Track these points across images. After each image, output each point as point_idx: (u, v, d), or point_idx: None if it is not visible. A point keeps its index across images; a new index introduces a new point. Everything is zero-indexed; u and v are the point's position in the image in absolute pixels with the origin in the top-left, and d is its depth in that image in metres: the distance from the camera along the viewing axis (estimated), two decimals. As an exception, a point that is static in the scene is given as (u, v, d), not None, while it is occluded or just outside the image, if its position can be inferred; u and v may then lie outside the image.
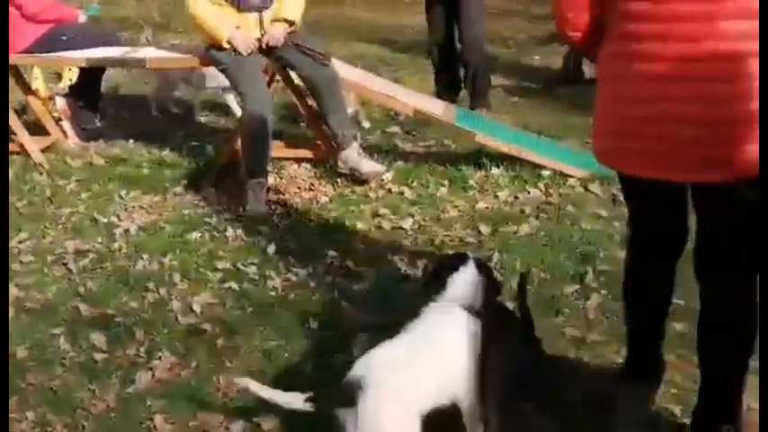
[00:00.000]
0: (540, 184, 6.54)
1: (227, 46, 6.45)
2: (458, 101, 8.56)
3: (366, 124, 8.09)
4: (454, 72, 8.80)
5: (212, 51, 6.59)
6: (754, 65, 2.94)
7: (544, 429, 3.74)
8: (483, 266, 3.82)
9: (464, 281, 3.68)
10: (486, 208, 6.25)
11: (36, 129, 7.78)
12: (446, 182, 6.66)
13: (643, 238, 3.66)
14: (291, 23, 6.61)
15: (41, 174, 7.20)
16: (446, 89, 8.72)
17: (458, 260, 3.80)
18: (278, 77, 7.10)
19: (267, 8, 6.63)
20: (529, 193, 6.45)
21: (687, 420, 3.68)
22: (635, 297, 3.78)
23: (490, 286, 3.78)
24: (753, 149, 2.97)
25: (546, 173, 6.64)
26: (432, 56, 8.90)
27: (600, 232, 5.66)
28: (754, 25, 2.92)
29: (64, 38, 7.55)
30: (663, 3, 3.07)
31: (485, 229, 5.85)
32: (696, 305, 3.51)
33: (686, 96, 3.05)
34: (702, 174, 3.12)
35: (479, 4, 8.43)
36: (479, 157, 6.95)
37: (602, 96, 3.39)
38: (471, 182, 6.65)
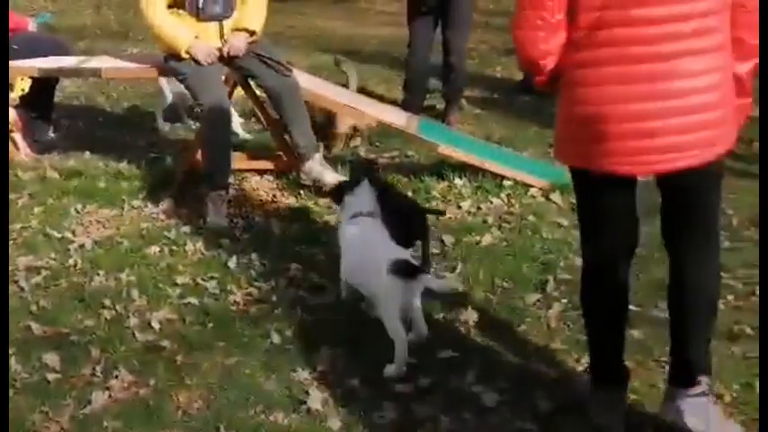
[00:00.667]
0: (503, 195, 6.55)
1: (186, 56, 6.33)
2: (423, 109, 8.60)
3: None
4: (425, 81, 8.86)
5: (171, 62, 6.46)
6: (700, 62, 3.28)
7: None
8: (376, 180, 5.15)
9: (361, 196, 4.95)
10: (449, 218, 6.21)
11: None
12: (409, 192, 6.58)
13: (605, 241, 3.68)
14: (253, 33, 6.52)
15: (-10, 188, 6.98)
16: (414, 98, 8.71)
17: (353, 182, 5.11)
18: (238, 87, 6.99)
19: (228, 17, 6.51)
20: (491, 203, 6.46)
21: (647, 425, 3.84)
22: (597, 302, 3.80)
23: (385, 195, 5.11)
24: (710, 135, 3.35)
25: (508, 183, 6.65)
26: (409, 64, 8.83)
27: (560, 241, 5.72)
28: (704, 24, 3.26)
29: (15, 47, 7.33)
30: (634, 8, 3.25)
31: (448, 239, 5.83)
32: (651, 312, 4.12)
33: (653, 94, 3.30)
34: (679, 161, 3.37)
35: (468, 12, 8.57)
36: (442, 167, 6.94)
37: (576, 101, 3.45)
38: (434, 192, 6.64)
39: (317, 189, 6.65)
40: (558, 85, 3.53)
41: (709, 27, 3.26)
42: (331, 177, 6.55)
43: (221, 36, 6.48)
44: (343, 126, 7.50)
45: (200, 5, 6.37)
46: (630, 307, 3.89)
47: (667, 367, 3.95)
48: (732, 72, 3.37)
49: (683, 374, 3.75)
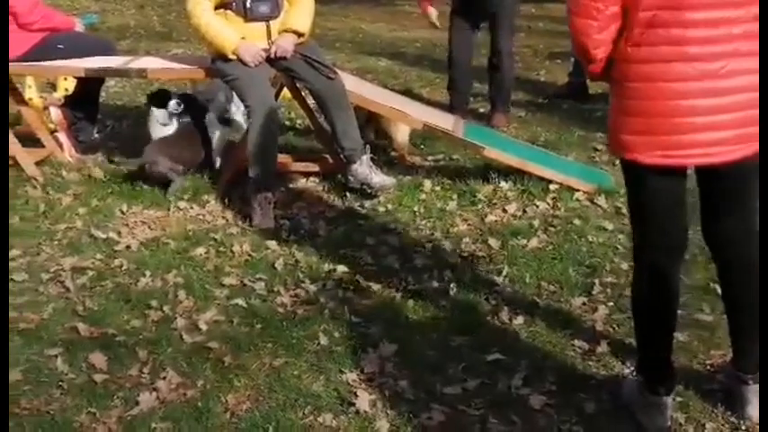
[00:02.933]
0: (548, 198, 6.52)
1: (233, 57, 6.33)
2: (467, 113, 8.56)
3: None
4: (469, 79, 8.87)
5: (218, 62, 6.46)
6: (746, 63, 3.43)
7: None
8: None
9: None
10: (495, 222, 6.21)
11: (29, 141, 7.52)
12: (455, 196, 6.60)
13: (657, 236, 3.73)
14: (301, 35, 6.51)
15: (35, 188, 6.94)
16: (459, 100, 8.73)
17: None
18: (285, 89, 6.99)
19: (275, 18, 6.49)
20: (537, 206, 6.42)
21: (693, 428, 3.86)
22: (649, 301, 3.82)
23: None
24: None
25: (553, 187, 6.62)
26: (451, 62, 8.84)
27: (605, 245, 5.70)
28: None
29: (60, 47, 7.32)
30: (689, 10, 3.36)
31: (494, 242, 5.81)
32: (695, 314, 4.21)
33: (704, 91, 3.42)
34: (724, 155, 3.49)
35: (513, 12, 8.72)
36: (488, 171, 6.91)
37: (629, 95, 3.54)
38: (480, 196, 6.60)
39: (363, 192, 6.64)
40: (610, 77, 3.63)
41: (756, 31, 3.39)
42: (379, 179, 6.55)
43: (268, 37, 6.47)
44: (401, 134, 7.44)
45: (248, 6, 6.36)
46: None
47: (711, 370, 4.04)
48: None
49: (747, 363, 3.85)
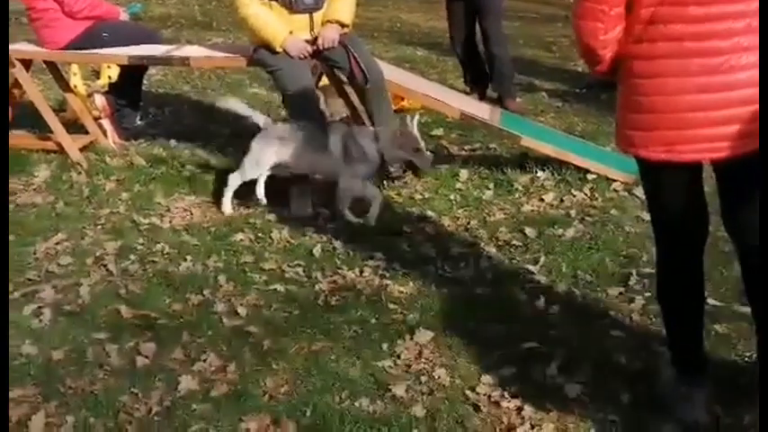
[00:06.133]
0: (585, 188, 6.55)
1: (280, 50, 6.37)
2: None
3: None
4: (480, 65, 9.12)
5: (261, 52, 6.50)
6: (749, 57, 3.38)
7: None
8: None
9: None
10: (532, 211, 6.24)
11: (74, 127, 7.68)
12: (492, 185, 6.64)
13: (673, 231, 3.75)
14: (345, 26, 6.54)
15: (80, 173, 7.05)
16: (475, 82, 9.07)
17: None
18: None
19: (319, 9, 6.52)
20: (574, 196, 6.46)
21: (730, 419, 3.82)
22: (673, 292, 3.83)
23: None
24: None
25: (591, 176, 6.65)
26: (457, 52, 9.17)
27: (642, 235, 5.65)
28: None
29: (105, 35, 7.38)
30: (693, 5, 3.35)
31: (530, 231, 5.84)
32: (734, 306, 4.15)
33: (707, 86, 3.40)
34: (729, 150, 3.45)
35: (497, 3, 8.89)
36: (525, 160, 6.94)
37: (634, 91, 3.54)
38: (517, 185, 6.64)
39: (400, 179, 6.70)
40: (617, 76, 3.63)
41: (757, 26, 3.35)
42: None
43: (311, 28, 6.50)
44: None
45: (293, -3, 6.40)
46: (714, 302, 3.93)
47: (750, 361, 4.02)
48: None
49: None
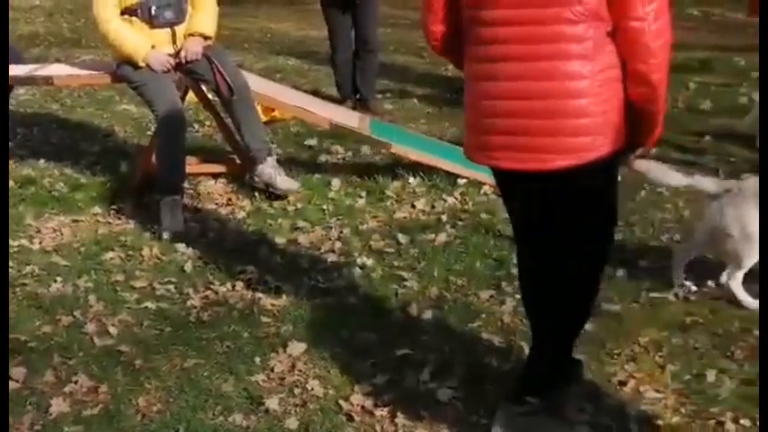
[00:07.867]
0: (456, 193, 6.64)
1: (142, 65, 6.32)
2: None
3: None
4: (353, 75, 9.23)
5: (124, 68, 6.43)
6: (567, 66, 3.21)
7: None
8: None
9: None
10: (404, 217, 6.29)
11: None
12: (364, 193, 6.68)
13: (525, 235, 3.77)
14: (207, 38, 6.52)
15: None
16: (348, 92, 9.21)
17: None
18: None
19: (180, 23, 6.47)
20: (445, 201, 6.53)
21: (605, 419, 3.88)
22: (531, 296, 3.84)
23: None
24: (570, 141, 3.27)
25: (461, 181, 6.74)
26: (335, 61, 9.23)
27: (513, 238, 5.65)
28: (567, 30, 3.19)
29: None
30: (484, 8, 3.33)
31: (403, 238, 5.89)
32: (602, 305, 4.21)
33: (513, 93, 3.31)
34: (536, 162, 3.33)
35: (375, 10, 9.03)
36: (396, 167, 6.99)
37: (466, 93, 3.51)
38: (389, 192, 6.69)
39: (271, 192, 6.68)
40: (456, 56, 3.63)
41: (573, 34, 3.18)
42: (283, 183, 6.59)
43: (173, 42, 6.45)
44: None
45: (153, 12, 6.33)
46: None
47: (619, 359, 4.04)
48: (616, 86, 3.27)
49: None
